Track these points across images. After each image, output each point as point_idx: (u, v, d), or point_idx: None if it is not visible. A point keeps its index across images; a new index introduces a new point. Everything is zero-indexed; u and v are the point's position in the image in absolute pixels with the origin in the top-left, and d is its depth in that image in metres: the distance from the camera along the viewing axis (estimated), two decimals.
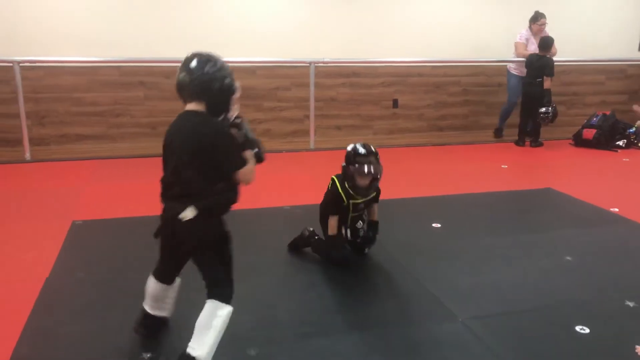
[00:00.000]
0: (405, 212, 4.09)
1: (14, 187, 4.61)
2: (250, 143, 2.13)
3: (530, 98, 6.43)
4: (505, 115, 6.99)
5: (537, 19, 6.60)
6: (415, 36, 6.95)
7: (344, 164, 3.06)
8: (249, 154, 2.10)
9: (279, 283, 2.96)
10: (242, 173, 2.09)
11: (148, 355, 2.24)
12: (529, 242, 3.54)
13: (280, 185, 4.77)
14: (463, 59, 7.05)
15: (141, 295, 2.35)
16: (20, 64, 5.45)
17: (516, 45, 6.71)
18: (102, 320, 2.52)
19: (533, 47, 6.61)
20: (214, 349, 2.04)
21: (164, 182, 2.11)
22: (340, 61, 6.64)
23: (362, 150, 3.02)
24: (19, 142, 5.62)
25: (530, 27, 6.69)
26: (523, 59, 6.57)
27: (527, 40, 6.68)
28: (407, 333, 2.46)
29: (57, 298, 2.71)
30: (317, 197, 3.69)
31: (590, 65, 7.70)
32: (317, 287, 2.90)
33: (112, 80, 6.14)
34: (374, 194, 3.17)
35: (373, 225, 3.28)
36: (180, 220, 2.01)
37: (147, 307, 2.33)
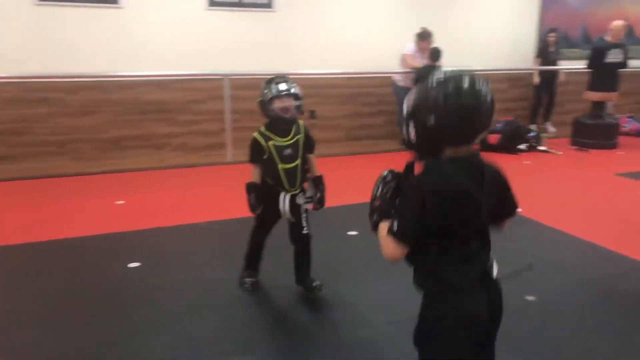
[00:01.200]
0: (321, 222, 4.12)
1: None
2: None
3: None
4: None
5: (424, 37, 6.83)
6: (330, 49, 7.08)
7: (259, 98, 2.76)
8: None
9: (197, 301, 2.90)
10: None
11: None
12: None
13: (197, 201, 4.68)
14: (376, 71, 7.26)
15: (57, 313, 2.22)
16: None
17: (405, 57, 6.95)
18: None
19: (421, 61, 6.91)
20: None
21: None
22: (256, 73, 6.63)
23: (277, 78, 2.76)
24: None
25: (416, 43, 6.91)
26: (410, 70, 6.83)
27: (414, 53, 6.94)
28: (323, 340, 2.49)
29: None
30: (234, 211, 3.64)
31: (494, 74, 8.16)
32: (237, 302, 2.87)
33: (16, 97, 5.80)
34: (301, 137, 2.78)
35: (316, 182, 2.86)
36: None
37: None
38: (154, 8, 6.22)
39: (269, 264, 3.13)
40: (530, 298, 2.92)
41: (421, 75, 6.69)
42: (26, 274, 3.20)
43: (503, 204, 1.60)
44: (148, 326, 2.61)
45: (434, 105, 1.46)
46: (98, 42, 6.00)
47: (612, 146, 7.14)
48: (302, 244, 2.92)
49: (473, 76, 1.46)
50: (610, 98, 7.33)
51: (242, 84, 6.60)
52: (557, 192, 5.05)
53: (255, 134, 2.77)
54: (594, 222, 4.16)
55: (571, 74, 8.22)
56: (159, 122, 6.42)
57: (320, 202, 2.86)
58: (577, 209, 4.49)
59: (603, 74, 6.98)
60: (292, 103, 2.69)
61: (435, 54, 6.68)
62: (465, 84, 1.44)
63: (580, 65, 7.52)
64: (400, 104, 7.09)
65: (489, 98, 1.46)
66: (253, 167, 2.79)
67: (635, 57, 8.06)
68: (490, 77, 8.17)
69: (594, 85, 7.13)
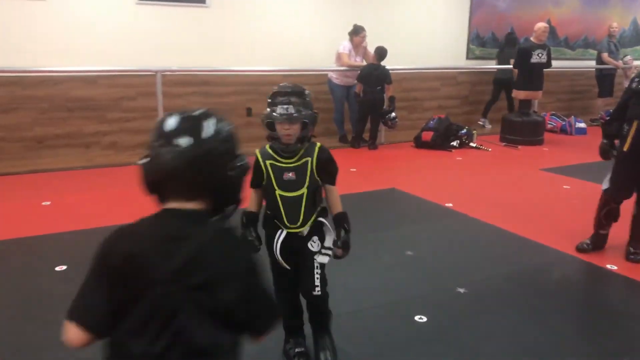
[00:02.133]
0: None
1: None
2: None
3: (371, 105, 6.83)
4: (341, 123, 7.33)
5: (358, 32, 6.95)
6: (265, 45, 7.03)
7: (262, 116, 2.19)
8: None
9: None
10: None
11: None
12: (375, 241, 3.74)
13: (127, 202, 4.52)
14: (311, 68, 7.27)
15: None
16: None
17: (340, 55, 7.02)
18: None
19: (356, 59, 7.04)
20: None
21: None
22: (189, 69, 6.49)
23: (283, 85, 2.16)
24: None
25: (351, 40, 7.01)
26: (346, 68, 6.95)
27: (349, 51, 7.03)
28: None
29: None
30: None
31: (427, 72, 8.38)
32: None
33: None
34: (310, 160, 2.16)
35: (340, 220, 2.21)
36: None
37: None
38: (81, 1, 5.96)
39: None
40: (461, 290, 3.02)
41: (364, 73, 6.77)
42: None
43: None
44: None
45: None
46: (20, 35, 5.68)
47: (539, 142, 7.50)
48: (313, 308, 2.30)
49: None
50: (536, 96, 7.69)
51: (175, 81, 6.44)
52: (486, 187, 5.25)
53: (257, 150, 2.21)
54: (520, 215, 4.35)
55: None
56: (87, 119, 6.16)
57: (346, 246, 2.19)
58: (504, 202, 4.68)
59: (529, 74, 7.31)
60: (295, 130, 2.09)
61: (382, 53, 6.76)
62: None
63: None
64: (336, 101, 7.24)
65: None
66: (251, 192, 2.23)
67: (557, 57, 8.50)
68: (423, 76, 8.40)
69: (520, 84, 7.45)
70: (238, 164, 1.26)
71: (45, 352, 2.36)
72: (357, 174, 5.74)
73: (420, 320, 2.68)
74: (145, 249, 1.17)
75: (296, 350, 2.35)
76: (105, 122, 6.25)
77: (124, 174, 5.42)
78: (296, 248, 2.21)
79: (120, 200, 4.51)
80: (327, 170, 2.21)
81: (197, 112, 1.26)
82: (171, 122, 1.23)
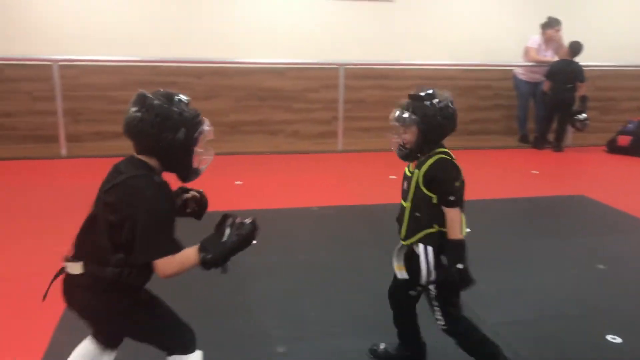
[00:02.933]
0: None
1: (49, 182, 4.74)
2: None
3: (561, 104, 6.33)
4: (524, 122, 6.89)
5: (552, 24, 6.45)
6: (448, 40, 6.90)
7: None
8: (192, 252, 1.63)
9: (306, 283, 2.98)
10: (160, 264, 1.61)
11: None
12: (561, 250, 3.48)
13: (308, 186, 4.80)
14: (495, 63, 6.97)
15: (176, 292, 2.38)
16: (59, 63, 5.60)
17: (528, 49, 6.58)
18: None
19: (545, 54, 6.53)
20: None
21: None
22: (370, 63, 6.65)
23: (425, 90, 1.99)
24: (55, 139, 5.77)
25: (542, 33, 6.53)
26: (533, 63, 6.51)
27: (539, 45, 6.55)
28: (427, 337, 2.41)
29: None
30: (345, 198, 3.68)
31: (628, 70, 7.53)
32: (344, 291, 2.91)
33: (145, 80, 6.25)
34: (418, 173, 1.94)
35: (450, 247, 1.94)
36: None
37: None
38: None
39: (372, 246, 3.13)
40: None
41: (555, 70, 6.32)
42: None
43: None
44: (255, 304, 2.73)
45: None
46: (221, 29, 6.31)
47: None
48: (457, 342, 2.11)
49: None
50: None
51: (355, 74, 6.63)
52: None
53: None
54: None
55: None
56: (275, 109, 6.64)
57: (464, 282, 1.95)
58: None
59: None
60: (395, 138, 1.99)
61: (577, 49, 6.26)
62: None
63: None
64: (521, 98, 6.85)
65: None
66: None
67: None
68: (621, 74, 7.53)
69: None
70: (171, 137, 1.64)
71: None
72: (539, 177, 5.38)
73: (614, 341, 2.43)
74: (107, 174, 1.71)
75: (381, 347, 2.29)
76: (291, 111, 6.68)
77: (304, 161, 5.76)
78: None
79: (299, 185, 4.80)
80: (436, 188, 1.93)
81: (140, 91, 1.69)
82: (134, 97, 1.68)
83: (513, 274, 3.12)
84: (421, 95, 1.96)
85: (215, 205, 4.12)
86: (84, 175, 4.95)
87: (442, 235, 1.95)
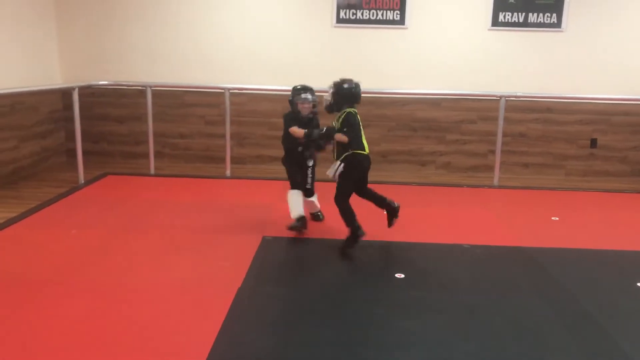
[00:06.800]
0: (604, 267, 3.68)
1: (215, 199, 5.15)
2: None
3: None
4: None
5: None
6: (618, 70, 6.30)
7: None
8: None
9: (456, 323, 2.85)
10: None
11: None
12: None
13: (459, 222, 4.62)
14: None
15: (326, 316, 2.43)
16: (230, 90, 6.12)
17: None
18: (288, 336, 2.65)
19: None
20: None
21: None
22: (534, 95, 6.29)
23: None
24: (222, 160, 6.29)
25: None
26: None
27: None
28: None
29: (247, 310, 2.90)
30: (500, 238, 3.47)
31: None
32: (493, 333, 2.73)
33: None
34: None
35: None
36: None
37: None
38: (436, 27, 6.38)
39: (527, 294, 2.85)
40: None
41: None
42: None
43: None
44: (408, 339, 2.66)
45: None
46: (378, 62, 6.42)
47: None
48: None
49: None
50: None
51: (517, 106, 6.32)
52: None
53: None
54: None
55: None
56: (427, 139, 6.56)
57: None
58: None
59: None
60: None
61: None
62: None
63: None
64: None
65: None
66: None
67: None
68: None
69: None
70: None
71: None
72: None
73: None
74: None
75: None
76: (443, 142, 6.55)
77: (457, 194, 5.58)
78: None
79: (451, 219, 4.65)
80: None
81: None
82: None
83: None
84: (339, 80, 3.97)
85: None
86: (243, 195, 5.33)
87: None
